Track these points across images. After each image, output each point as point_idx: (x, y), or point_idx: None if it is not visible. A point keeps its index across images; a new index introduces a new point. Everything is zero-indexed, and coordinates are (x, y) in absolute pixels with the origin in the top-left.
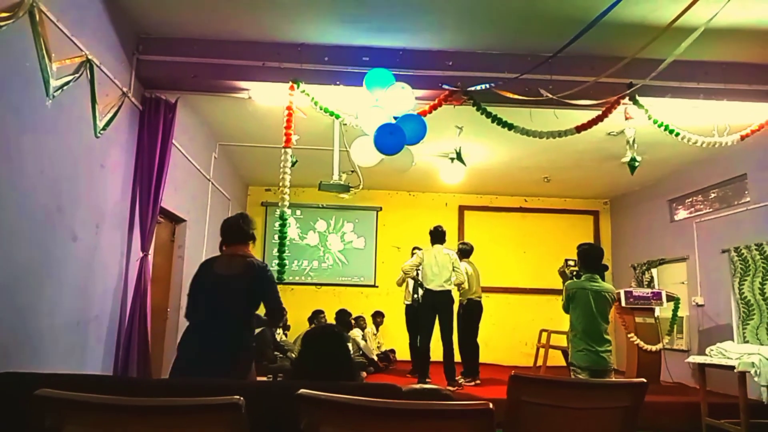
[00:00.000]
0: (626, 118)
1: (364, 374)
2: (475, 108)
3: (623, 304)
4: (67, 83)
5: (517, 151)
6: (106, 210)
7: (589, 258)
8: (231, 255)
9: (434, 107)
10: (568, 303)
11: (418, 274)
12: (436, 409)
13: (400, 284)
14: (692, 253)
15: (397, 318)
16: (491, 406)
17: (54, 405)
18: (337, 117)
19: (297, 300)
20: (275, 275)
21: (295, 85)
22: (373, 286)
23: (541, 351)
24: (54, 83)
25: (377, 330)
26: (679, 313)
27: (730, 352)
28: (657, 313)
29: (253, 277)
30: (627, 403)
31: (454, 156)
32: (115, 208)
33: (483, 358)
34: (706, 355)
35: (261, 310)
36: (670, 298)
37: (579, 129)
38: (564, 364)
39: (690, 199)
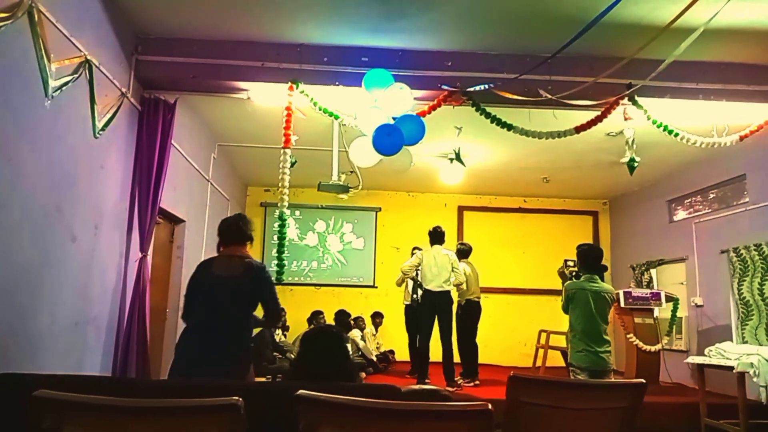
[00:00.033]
0: (625, 119)
1: (363, 375)
2: (474, 108)
3: (622, 304)
4: (66, 84)
5: (517, 151)
6: (105, 210)
7: (589, 258)
8: (230, 256)
9: (433, 108)
10: (567, 303)
11: (417, 275)
12: (435, 410)
13: (399, 284)
14: (691, 254)
15: (396, 319)
16: (490, 406)
17: (53, 406)
18: (336, 117)
19: (296, 301)
20: (275, 276)
21: (295, 86)
22: (372, 286)
23: (540, 351)
24: (53, 84)
25: (376, 331)
26: (678, 314)
27: (729, 353)
28: (656, 313)
29: (252, 278)
30: (626, 403)
31: (453, 156)
32: (114, 209)
33: (482, 358)
34: (705, 355)
35: (258, 311)
36: (669, 298)
37: (578, 129)
38: (563, 364)
39: (689, 200)
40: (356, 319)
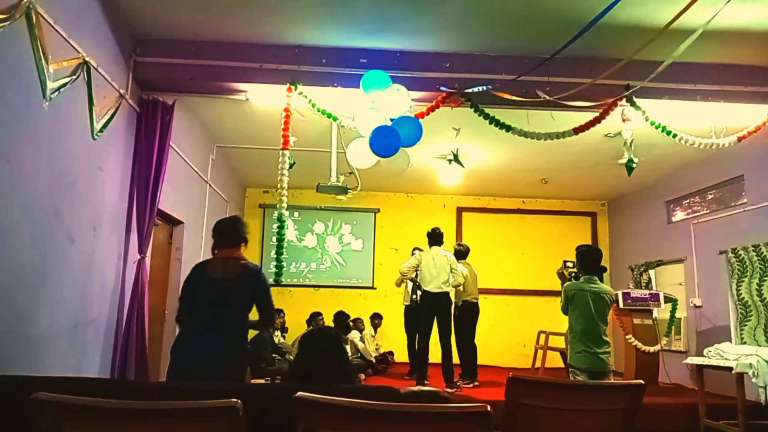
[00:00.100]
0: (623, 120)
1: (363, 376)
2: (472, 110)
3: (621, 305)
4: (64, 85)
5: (515, 152)
6: (104, 212)
7: (588, 259)
8: (225, 258)
9: (432, 109)
10: (566, 304)
11: (416, 276)
12: (434, 412)
13: (398, 285)
14: (690, 255)
15: (396, 320)
16: (489, 408)
17: (51, 408)
18: (335, 119)
19: (295, 302)
20: (273, 277)
21: (293, 87)
22: (371, 288)
23: (540, 353)
24: (51, 85)
25: (375, 332)
26: (677, 315)
27: (727, 354)
28: (655, 314)
29: (248, 280)
30: (625, 404)
31: (452, 158)
32: (112, 211)
33: (481, 359)
34: (704, 356)
35: (252, 314)
36: (667, 299)
37: (576, 131)
38: (562, 365)
39: (687, 201)
40: (355, 320)
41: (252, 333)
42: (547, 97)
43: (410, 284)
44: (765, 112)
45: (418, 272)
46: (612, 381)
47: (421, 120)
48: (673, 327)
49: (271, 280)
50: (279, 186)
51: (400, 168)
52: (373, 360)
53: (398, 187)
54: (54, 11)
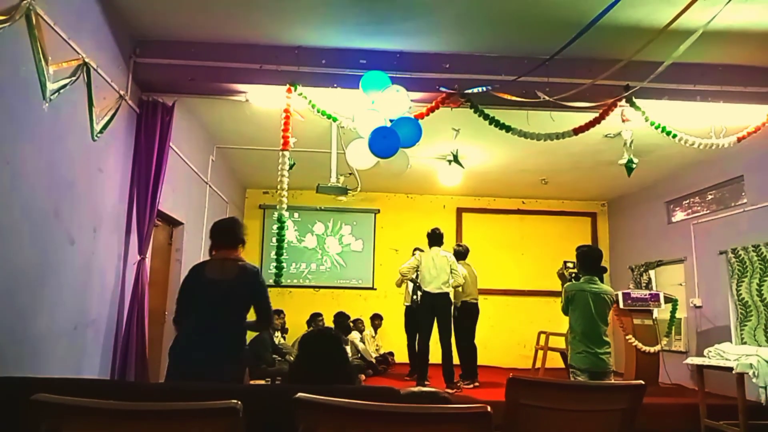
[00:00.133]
0: (623, 121)
1: (363, 377)
2: (472, 110)
3: (621, 305)
4: (63, 86)
5: (515, 153)
6: (104, 213)
7: (588, 260)
8: (223, 259)
9: (431, 110)
10: (567, 305)
11: (416, 277)
12: (434, 413)
13: (398, 285)
14: (690, 255)
15: (396, 320)
16: (489, 409)
17: (51, 410)
18: (335, 120)
19: (295, 303)
20: (273, 278)
21: (293, 88)
22: (371, 288)
23: (540, 353)
24: (51, 86)
25: (375, 333)
26: (677, 315)
27: (728, 354)
28: (655, 314)
29: (246, 281)
30: (625, 405)
31: (452, 158)
32: (112, 212)
33: (481, 360)
34: (704, 356)
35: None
36: (668, 299)
37: (576, 131)
38: (563, 366)
39: (687, 201)
40: (355, 321)
41: (250, 334)
42: (547, 98)
43: (410, 285)
44: (765, 112)
45: (418, 273)
46: (612, 381)
47: (420, 121)
48: (673, 327)
49: (271, 281)
50: (279, 187)
51: (400, 169)
52: (374, 361)
53: (398, 187)
54: (54, 12)
